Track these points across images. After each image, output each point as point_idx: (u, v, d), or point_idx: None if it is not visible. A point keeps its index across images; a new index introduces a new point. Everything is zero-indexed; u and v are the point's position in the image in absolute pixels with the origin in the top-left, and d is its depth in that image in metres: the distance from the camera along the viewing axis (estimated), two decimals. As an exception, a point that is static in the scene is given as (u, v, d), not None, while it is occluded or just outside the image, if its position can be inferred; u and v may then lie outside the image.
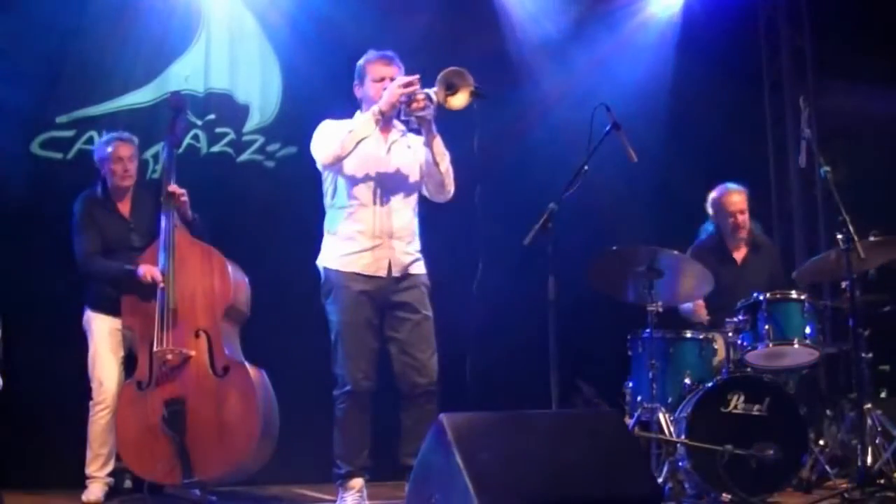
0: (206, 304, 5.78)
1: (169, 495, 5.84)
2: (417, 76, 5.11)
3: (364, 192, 5.26)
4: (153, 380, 5.67)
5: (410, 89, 5.09)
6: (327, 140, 5.21)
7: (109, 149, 6.00)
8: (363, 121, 5.16)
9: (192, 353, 5.69)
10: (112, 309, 5.89)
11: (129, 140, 6.07)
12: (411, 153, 5.38)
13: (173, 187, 5.85)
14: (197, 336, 5.73)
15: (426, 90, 5.07)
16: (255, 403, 5.63)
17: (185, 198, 5.86)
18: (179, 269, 5.77)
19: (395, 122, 5.40)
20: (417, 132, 5.37)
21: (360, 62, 5.40)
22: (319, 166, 5.31)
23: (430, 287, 5.34)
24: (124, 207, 6.05)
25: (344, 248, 5.26)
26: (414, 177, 5.36)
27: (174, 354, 5.65)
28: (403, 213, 5.31)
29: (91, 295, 5.97)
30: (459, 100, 5.03)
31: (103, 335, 5.91)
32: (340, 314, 5.20)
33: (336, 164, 5.18)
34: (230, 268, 5.84)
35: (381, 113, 5.12)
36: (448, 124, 5.30)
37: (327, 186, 5.38)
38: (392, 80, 5.23)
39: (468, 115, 5.08)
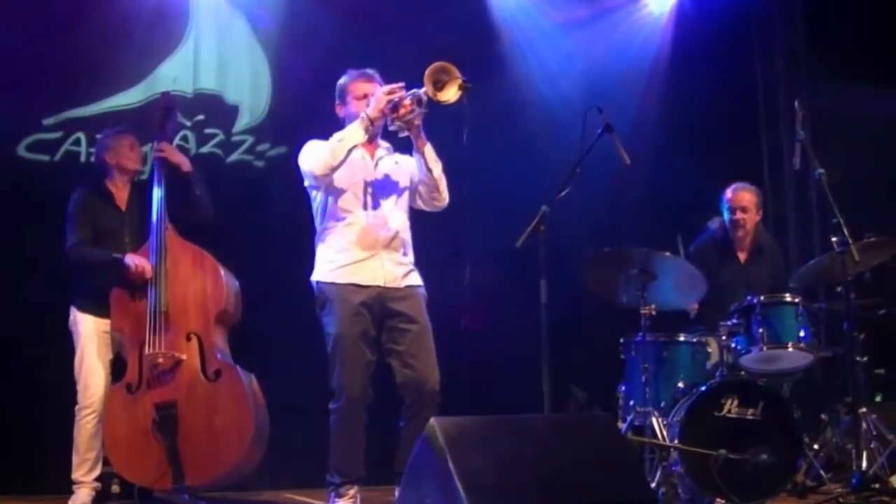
0: (197, 307, 5.73)
1: (158, 500, 5.78)
2: (402, 83, 5.09)
3: (354, 204, 5.25)
4: (143, 383, 5.61)
5: (397, 95, 5.09)
6: (316, 151, 5.19)
7: (122, 138, 6.05)
8: (352, 128, 5.15)
9: (184, 356, 5.63)
10: (99, 310, 5.82)
11: (134, 135, 6.16)
12: (399, 168, 5.38)
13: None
14: (188, 339, 5.67)
15: (413, 91, 5.04)
16: (248, 407, 5.58)
17: (164, 153, 5.89)
18: (171, 271, 5.73)
19: (381, 140, 5.41)
20: (404, 150, 5.37)
21: (341, 82, 5.41)
22: (310, 181, 5.27)
23: (426, 297, 5.30)
24: (121, 201, 6.02)
25: (338, 260, 5.23)
26: (404, 188, 5.37)
27: (165, 358, 5.60)
28: (395, 224, 5.29)
29: (78, 295, 5.91)
30: (448, 94, 5.00)
31: (90, 337, 5.84)
32: (338, 327, 5.15)
33: (329, 174, 5.15)
34: (222, 271, 5.79)
35: (370, 120, 5.10)
36: (436, 127, 5.27)
37: (317, 206, 5.36)
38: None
39: (457, 110, 5.04)
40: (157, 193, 5.85)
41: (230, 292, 5.83)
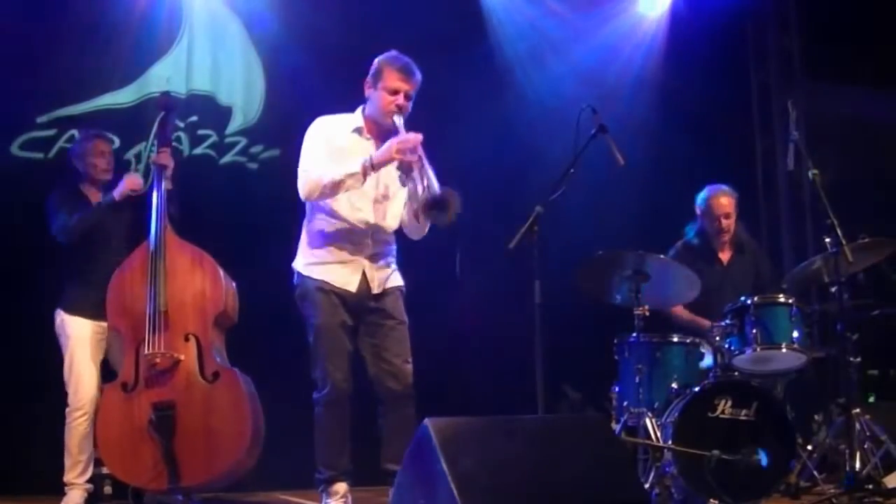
0: (196, 308, 5.68)
1: (150, 501, 5.76)
2: (419, 139, 4.92)
3: (346, 205, 5.17)
4: (140, 382, 5.55)
5: (410, 157, 4.91)
6: (315, 171, 5.04)
7: (90, 143, 6.03)
8: (354, 176, 4.96)
9: (182, 357, 5.58)
10: (88, 311, 5.81)
11: (107, 138, 6.18)
12: (399, 172, 5.24)
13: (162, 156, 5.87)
14: (186, 340, 5.62)
15: (423, 166, 4.88)
16: (246, 411, 5.55)
17: (163, 162, 5.85)
18: (170, 271, 5.69)
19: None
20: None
21: (381, 62, 5.16)
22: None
23: (405, 294, 5.28)
24: (96, 200, 6.01)
25: (318, 255, 5.20)
26: (400, 198, 5.25)
27: (163, 358, 5.54)
28: (384, 231, 5.23)
29: (66, 297, 5.89)
30: (442, 219, 4.89)
31: (80, 339, 5.82)
32: (318, 317, 5.15)
33: (314, 200, 5.13)
34: (221, 273, 5.76)
35: (373, 167, 4.97)
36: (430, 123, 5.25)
37: None
38: (406, 96, 5.08)
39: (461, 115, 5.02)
40: (156, 194, 5.80)
41: (229, 294, 5.80)
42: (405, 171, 5.04)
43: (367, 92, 5.20)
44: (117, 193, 5.78)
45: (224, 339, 5.87)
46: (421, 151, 4.90)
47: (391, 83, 5.11)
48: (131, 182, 5.83)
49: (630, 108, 7.76)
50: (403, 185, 5.13)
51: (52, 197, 5.94)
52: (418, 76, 5.14)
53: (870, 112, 7.90)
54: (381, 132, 5.19)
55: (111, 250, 5.87)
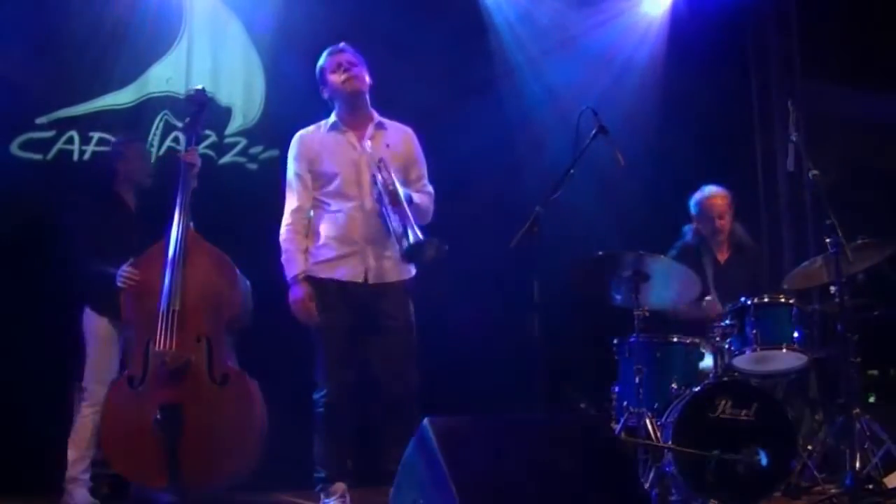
0: (212, 310, 5.65)
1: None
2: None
3: (340, 194, 5.21)
4: (147, 379, 5.51)
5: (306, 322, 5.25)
6: (288, 217, 5.33)
7: (137, 147, 6.23)
8: (288, 267, 5.25)
9: (192, 358, 5.54)
10: (115, 312, 5.77)
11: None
12: (389, 153, 5.27)
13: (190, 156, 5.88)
14: (198, 341, 5.58)
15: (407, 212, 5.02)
16: (254, 415, 5.54)
17: (191, 160, 5.86)
18: (189, 270, 5.66)
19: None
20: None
21: (318, 67, 5.39)
22: None
23: (410, 291, 5.27)
24: (130, 203, 6.07)
25: (319, 253, 5.22)
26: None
27: (173, 358, 5.49)
28: (380, 217, 5.21)
29: (94, 296, 5.85)
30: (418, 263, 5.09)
31: (103, 339, 5.84)
32: (320, 318, 5.16)
33: None
34: (239, 276, 5.74)
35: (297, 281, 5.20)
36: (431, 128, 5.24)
37: None
38: (348, 63, 5.24)
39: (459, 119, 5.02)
40: (181, 192, 5.79)
41: (245, 298, 5.78)
42: (391, 202, 5.08)
43: (326, 94, 5.39)
44: (121, 277, 5.67)
45: (233, 344, 5.85)
46: (405, 203, 5.03)
47: (330, 66, 5.32)
48: (131, 277, 5.72)
49: (630, 109, 7.75)
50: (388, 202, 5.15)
51: (83, 206, 5.94)
52: (349, 47, 5.34)
53: (870, 112, 7.89)
54: (356, 123, 5.31)
55: (132, 251, 5.86)
